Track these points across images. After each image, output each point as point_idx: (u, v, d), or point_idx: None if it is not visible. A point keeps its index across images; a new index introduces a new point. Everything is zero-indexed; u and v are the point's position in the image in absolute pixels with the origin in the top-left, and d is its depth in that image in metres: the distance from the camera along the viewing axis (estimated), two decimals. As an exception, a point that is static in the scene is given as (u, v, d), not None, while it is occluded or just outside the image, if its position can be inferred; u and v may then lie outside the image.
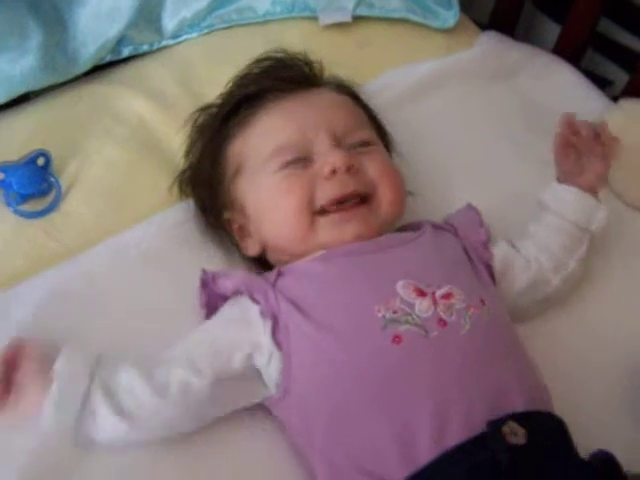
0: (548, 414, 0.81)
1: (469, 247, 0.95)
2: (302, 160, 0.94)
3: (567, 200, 0.99)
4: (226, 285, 0.91)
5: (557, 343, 1.01)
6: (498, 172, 1.18)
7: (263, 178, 0.95)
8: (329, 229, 0.91)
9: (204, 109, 1.08)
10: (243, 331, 0.86)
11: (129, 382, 0.83)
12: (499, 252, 0.97)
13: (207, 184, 1.02)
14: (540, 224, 1.01)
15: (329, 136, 0.94)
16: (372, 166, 0.95)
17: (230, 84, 1.07)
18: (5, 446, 0.86)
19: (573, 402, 0.90)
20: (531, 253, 0.98)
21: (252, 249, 0.99)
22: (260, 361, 0.85)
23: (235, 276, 0.91)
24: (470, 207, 1.02)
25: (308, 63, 1.07)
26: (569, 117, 1.02)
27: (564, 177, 1.02)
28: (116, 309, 0.99)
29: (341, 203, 0.92)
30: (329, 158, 0.92)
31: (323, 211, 0.92)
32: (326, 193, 0.91)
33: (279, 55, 1.07)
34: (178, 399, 0.83)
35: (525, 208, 1.06)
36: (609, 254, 1.10)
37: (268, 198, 0.94)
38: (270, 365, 0.84)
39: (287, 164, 0.94)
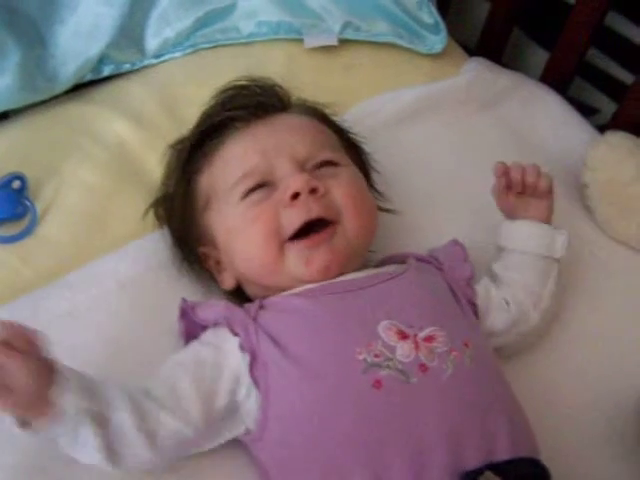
0: (531, 461, 0.79)
1: (453, 283, 0.93)
2: (265, 186, 0.92)
3: (523, 235, 0.99)
4: (206, 315, 0.89)
5: (538, 380, 1.00)
6: (482, 201, 1.16)
7: (229, 208, 0.93)
8: (296, 258, 0.89)
9: (176, 144, 1.06)
10: (224, 363, 0.84)
11: (121, 425, 0.78)
12: (482, 290, 0.96)
13: (180, 219, 1.00)
14: (506, 266, 1.00)
15: (290, 159, 0.92)
16: (338, 189, 0.92)
17: (200, 114, 1.05)
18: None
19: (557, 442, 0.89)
20: (507, 293, 0.97)
21: (227, 283, 0.97)
22: (239, 395, 0.83)
23: (215, 307, 0.90)
24: (455, 242, 1.01)
25: (274, 88, 1.05)
26: (501, 168, 1.00)
27: (512, 216, 1.02)
28: (92, 339, 0.97)
29: (308, 231, 0.90)
30: (290, 182, 0.90)
31: (292, 239, 0.90)
32: (291, 219, 0.89)
33: (245, 82, 1.05)
34: (169, 449, 0.81)
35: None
36: (592, 288, 1.10)
37: (235, 228, 0.93)
38: (249, 400, 0.83)
39: (250, 191, 0.92)
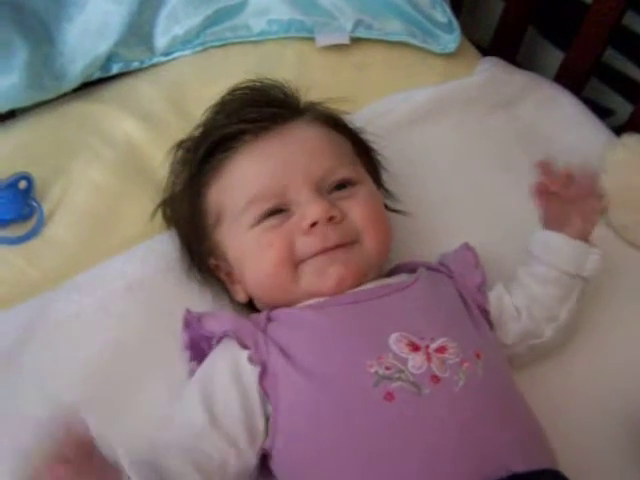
0: (553, 472, 0.78)
1: (464, 291, 0.91)
2: (280, 211, 0.90)
3: (555, 249, 0.94)
4: (213, 327, 0.87)
5: (550, 389, 0.98)
6: (496, 203, 1.15)
7: (241, 231, 0.91)
8: (311, 275, 0.88)
9: (181, 144, 1.04)
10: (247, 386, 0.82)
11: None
12: (494, 299, 0.93)
13: (190, 229, 0.98)
14: (530, 274, 0.96)
15: (307, 183, 0.90)
16: (355, 211, 0.91)
17: (205, 117, 1.03)
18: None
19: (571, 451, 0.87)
20: (522, 302, 0.94)
21: (240, 296, 0.96)
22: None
23: (223, 318, 0.88)
24: (466, 247, 0.99)
25: (284, 93, 1.02)
26: (544, 165, 0.94)
27: (550, 225, 0.96)
28: (99, 341, 0.96)
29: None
30: (308, 210, 0.88)
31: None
32: (307, 247, 0.88)
33: (253, 87, 1.03)
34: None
35: (523, 242, 1.00)
36: (606, 295, 1.06)
37: (248, 252, 0.91)
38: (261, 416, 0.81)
39: (264, 216, 0.90)
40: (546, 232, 0.96)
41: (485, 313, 0.91)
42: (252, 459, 0.80)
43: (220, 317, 0.89)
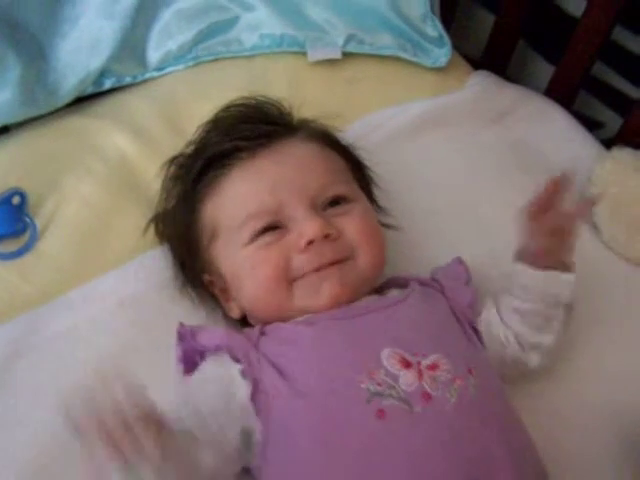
0: None
1: (456, 307, 0.92)
2: (275, 228, 0.90)
3: (523, 284, 0.91)
4: (207, 342, 0.87)
5: (542, 406, 0.97)
6: (487, 217, 1.16)
7: (237, 248, 0.91)
8: (305, 292, 0.88)
9: (174, 160, 1.05)
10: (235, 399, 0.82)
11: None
12: (484, 320, 0.93)
13: (184, 245, 0.99)
14: (507, 305, 0.93)
15: (302, 200, 0.90)
16: (350, 228, 0.91)
17: (198, 134, 1.03)
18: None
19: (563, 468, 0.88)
20: (508, 330, 0.93)
21: (234, 312, 0.96)
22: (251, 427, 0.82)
23: (216, 333, 0.88)
24: (459, 262, 1.00)
25: (278, 110, 1.03)
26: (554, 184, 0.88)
27: (523, 251, 0.92)
28: (92, 357, 0.96)
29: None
30: (305, 228, 0.88)
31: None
32: (303, 265, 0.88)
33: (247, 104, 1.03)
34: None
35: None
36: (596, 308, 1.06)
37: (243, 268, 0.91)
38: (253, 429, 0.81)
39: (260, 233, 0.90)
40: (515, 265, 0.92)
41: (476, 331, 0.92)
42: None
43: (214, 331, 0.89)
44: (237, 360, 0.84)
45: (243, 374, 0.82)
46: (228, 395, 0.82)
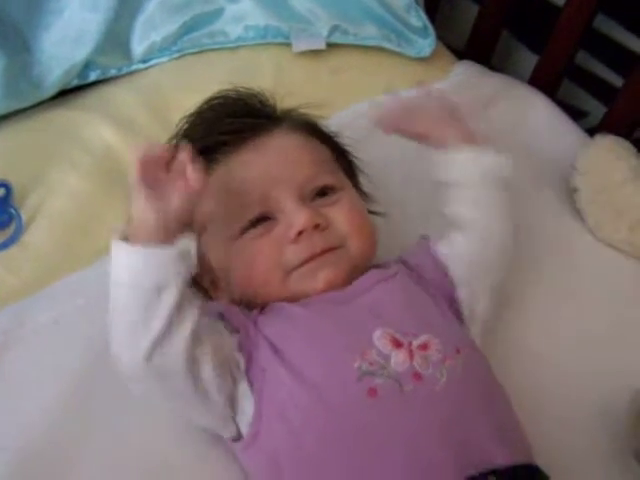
0: (533, 468, 0.79)
1: (431, 283, 0.92)
2: (264, 220, 0.90)
3: (464, 164, 0.93)
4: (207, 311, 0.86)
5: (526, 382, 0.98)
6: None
7: (227, 241, 0.91)
8: (301, 279, 0.88)
9: None
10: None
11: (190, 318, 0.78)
12: (445, 245, 0.93)
13: None
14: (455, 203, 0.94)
15: (290, 191, 0.90)
16: (339, 217, 0.91)
17: (181, 127, 1.02)
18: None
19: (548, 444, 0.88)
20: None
21: (224, 302, 0.95)
22: (240, 387, 0.82)
23: (215, 305, 0.89)
24: (421, 240, 0.98)
25: (263, 102, 1.02)
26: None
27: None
28: (78, 348, 0.96)
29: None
30: (294, 219, 0.88)
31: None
32: (295, 255, 0.88)
33: (230, 96, 1.02)
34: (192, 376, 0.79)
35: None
36: (580, 292, 1.09)
37: (235, 261, 0.91)
38: (245, 400, 0.82)
39: (250, 226, 0.90)
40: (444, 153, 0.95)
41: (454, 304, 0.92)
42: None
43: (214, 304, 0.90)
44: (235, 331, 0.84)
45: (239, 346, 0.83)
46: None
